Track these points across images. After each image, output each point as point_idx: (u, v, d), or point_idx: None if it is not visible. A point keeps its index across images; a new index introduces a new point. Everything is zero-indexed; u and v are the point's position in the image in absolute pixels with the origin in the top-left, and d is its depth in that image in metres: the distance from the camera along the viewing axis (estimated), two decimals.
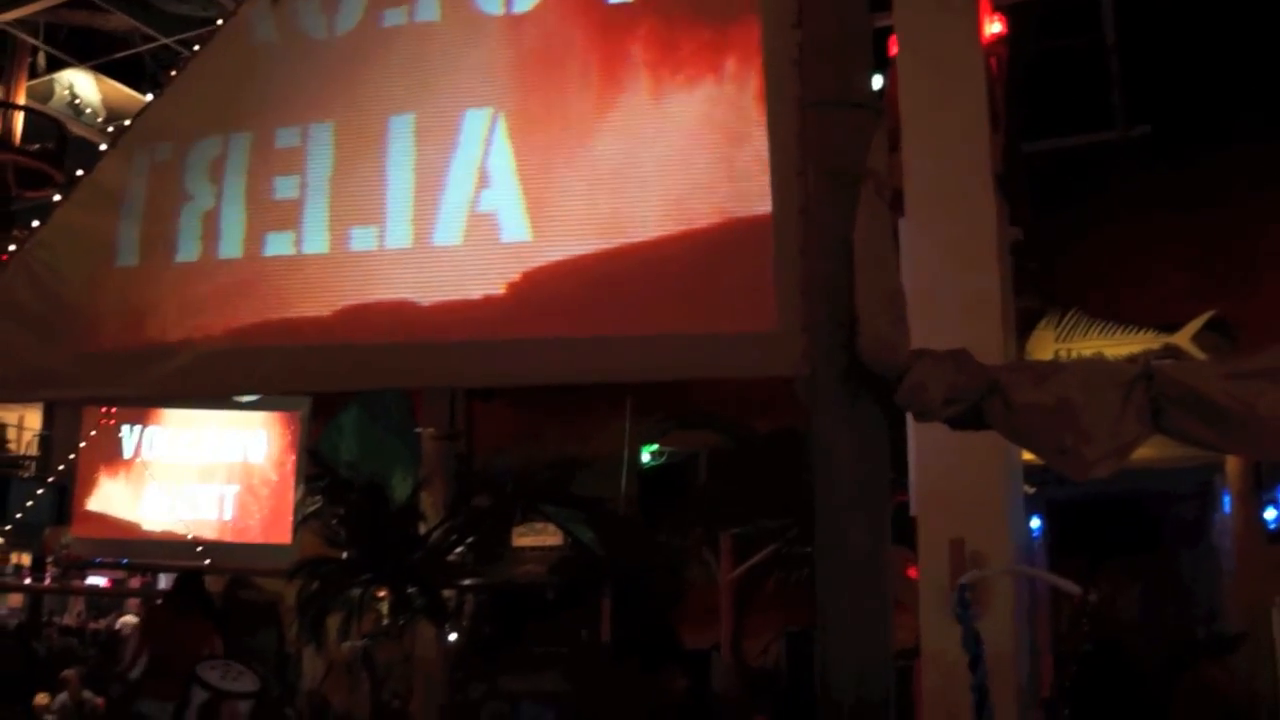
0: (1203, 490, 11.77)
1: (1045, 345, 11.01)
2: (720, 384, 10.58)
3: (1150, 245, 12.14)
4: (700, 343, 3.43)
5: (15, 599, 20.74)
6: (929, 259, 6.09)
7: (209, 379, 4.08)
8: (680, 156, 3.53)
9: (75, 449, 15.36)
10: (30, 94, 17.07)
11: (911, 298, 3.20)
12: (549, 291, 3.58)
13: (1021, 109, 7.99)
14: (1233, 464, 10.95)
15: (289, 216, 3.96)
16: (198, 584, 9.66)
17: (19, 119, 16.59)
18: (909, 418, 4.81)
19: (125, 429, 15.24)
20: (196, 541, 14.77)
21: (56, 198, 4.57)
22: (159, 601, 12.56)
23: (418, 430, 15.55)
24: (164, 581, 16.60)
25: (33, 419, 20.85)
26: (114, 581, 19.83)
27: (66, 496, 15.92)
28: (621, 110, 3.62)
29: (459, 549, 14.63)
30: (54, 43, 16.96)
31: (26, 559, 18.82)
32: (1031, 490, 8.65)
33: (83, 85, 17.62)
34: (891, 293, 3.11)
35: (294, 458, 15.11)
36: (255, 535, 15.04)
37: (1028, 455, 5.57)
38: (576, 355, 3.57)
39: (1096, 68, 12.74)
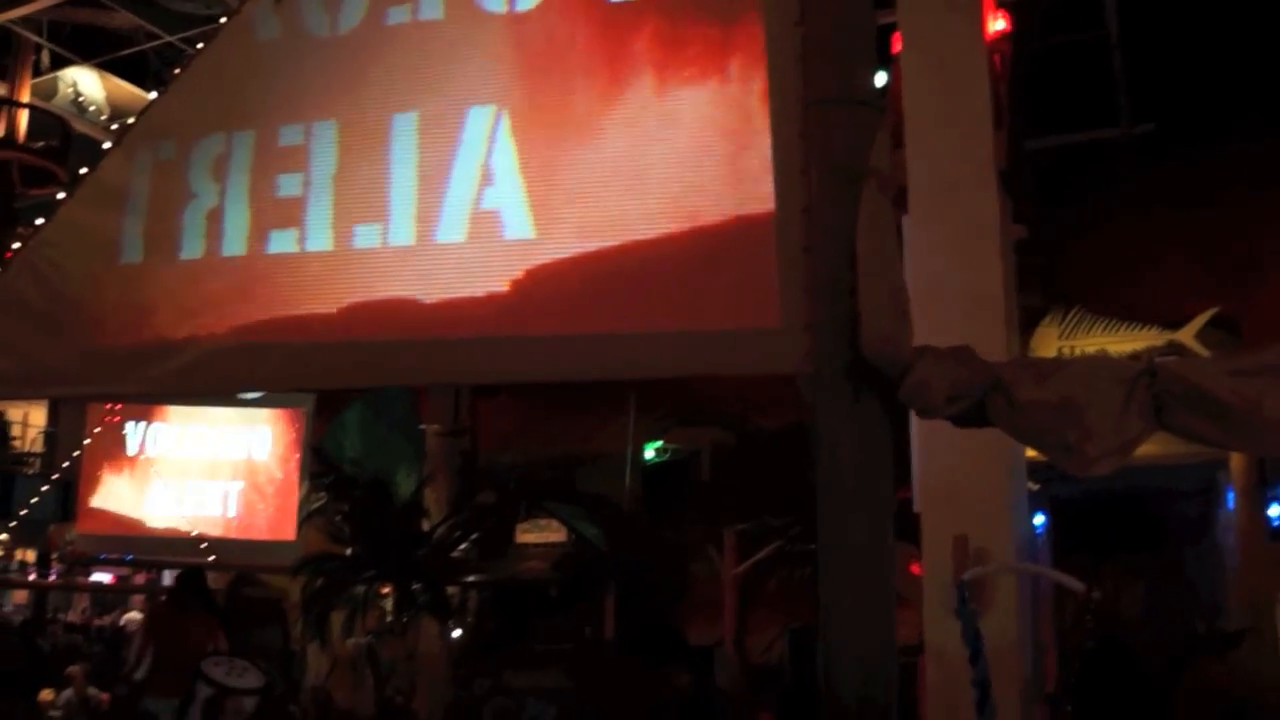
0: (1206, 487, 11.77)
1: (1049, 342, 11.02)
2: (723, 381, 10.57)
3: (1154, 242, 12.12)
4: (704, 340, 3.42)
5: (20, 595, 20.82)
6: (932, 256, 6.09)
7: (213, 376, 4.07)
8: (684, 154, 3.52)
9: (80, 446, 15.38)
10: (34, 92, 17.10)
11: (915, 295, 3.20)
12: (552, 289, 3.57)
13: (1025, 106, 7.99)
14: (1237, 461, 10.95)
15: (293, 214, 3.95)
16: (198, 580, 9.68)
17: (23, 116, 16.61)
18: (912, 414, 4.84)
19: (130, 426, 15.26)
20: (201, 538, 14.80)
21: (60, 195, 4.57)
22: (162, 599, 12.58)
23: (422, 427, 15.58)
24: (168, 578, 16.62)
25: (37, 416, 20.87)
26: (119, 578, 19.91)
27: (71, 493, 15.93)
28: (625, 108, 3.61)
29: (463, 545, 14.66)
30: (58, 40, 16.99)
31: (31, 555, 18.89)
32: (1035, 487, 8.66)
33: (87, 83, 17.64)
34: (894, 290, 3.11)
35: (298, 455, 15.13)
36: (260, 532, 15.06)
37: (1031, 452, 5.59)
38: (580, 352, 3.56)
39: (1100, 65, 12.72)
